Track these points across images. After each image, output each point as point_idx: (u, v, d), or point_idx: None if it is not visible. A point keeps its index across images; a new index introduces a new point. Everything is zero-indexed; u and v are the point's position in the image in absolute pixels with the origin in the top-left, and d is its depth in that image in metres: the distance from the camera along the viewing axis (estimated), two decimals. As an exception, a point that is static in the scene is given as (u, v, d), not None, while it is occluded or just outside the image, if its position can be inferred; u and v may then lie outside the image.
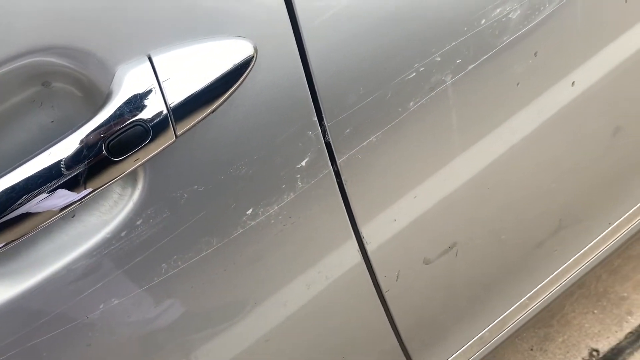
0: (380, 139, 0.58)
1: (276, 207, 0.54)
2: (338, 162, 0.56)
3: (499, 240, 0.78)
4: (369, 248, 0.63)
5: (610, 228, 1.08)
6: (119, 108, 0.43)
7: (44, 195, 0.43)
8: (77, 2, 0.42)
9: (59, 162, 0.43)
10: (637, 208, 1.11)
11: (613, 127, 0.89)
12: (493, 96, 0.64)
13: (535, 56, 0.64)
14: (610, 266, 1.42)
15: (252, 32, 0.48)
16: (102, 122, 0.43)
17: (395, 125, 0.58)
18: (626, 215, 1.09)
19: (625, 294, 1.36)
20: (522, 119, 0.67)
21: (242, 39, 0.48)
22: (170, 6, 0.45)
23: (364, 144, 0.57)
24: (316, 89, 0.52)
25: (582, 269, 1.07)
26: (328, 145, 0.55)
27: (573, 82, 0.70)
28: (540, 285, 1.01)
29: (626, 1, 0.69)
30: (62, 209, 0.44)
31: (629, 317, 1.32)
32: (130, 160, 0.44)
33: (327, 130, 0.54)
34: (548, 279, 1.01)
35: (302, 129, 0.53)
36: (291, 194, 0.55)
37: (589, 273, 1.13)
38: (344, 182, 0.58)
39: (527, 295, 1.00)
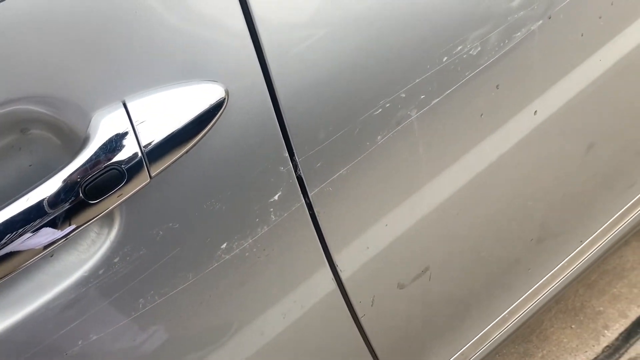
0: (350, 172, 0.61)
1: (250, 240, 0.56)
2: (310, 194, 0.59)
3: (477, 257, 0.81)
4: (343, 276, 0.66)
5: (586, 243, 1.12)
6: (95, 153, 0.45)
7: (23, 237, 0.44)
8: (54, 53, 0.45)
9: (36, 205, 0.44)
10: (611, 222, 1.15)
11: (587, 143, 0.93)
12: (458, 127, 0.67)
13: (498, 89, 0.68)
14: (586, 280, 1.45)
15: (224, 75, 0.51)
16: (79, 167, 0.45)
17: (364, 158, 0.61)
18: (601, 229, 1.13)
19: (601, 308, 1.39)
20: (487, 147, 0.70)
21: (214, 83, 0.50)
22: (143, 53, 0.48)
23: (335, 176, 0.60)
24: (286, 127, 0.55)
25: (559, 283, 1.10)
26: (300, 179, 0.58)
27: (535, 111, 0.73)
28: (520, 300, 1.04)
29: (582, 35, 0.73)
30: (40, 251, 0.45)
31: (606, 331, 1.35)
32: (107, 202, 0.46)
33: (299, 165, 0.57)
34: (527, 293, 1.04)
35: (274, 164, 0.55)
36: (265, 227, 0.57)
37: (566, 288, 1.16)
38: (316, 214, 0.60)
39: (508, 310, 1.02)
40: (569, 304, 1.42)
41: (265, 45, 0.52)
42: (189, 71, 0.49)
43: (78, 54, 0.45)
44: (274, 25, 0.52)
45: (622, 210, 1.18)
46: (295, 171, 0.57)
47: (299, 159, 0.56)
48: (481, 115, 0.68)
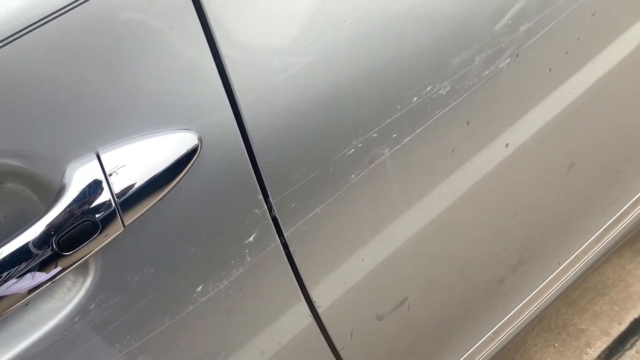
0: (325, 210, 0.62)
1: (226, 282, 0.57)
2: (285, 234, 0.60)
3: (458, 282, 0.82)
4: (320, 310, 0.67)
5: (567, 261, 1.14)
6: (69, 205, 0.46)
7: (-3, 289, 0.45)
8: (28, 106, 0.45)
9: (10, 257, 0.45)
10: (592, 241, 1.17)
11: (565, 166, 0.95)
12: (430, 163, 0.69)
13: (468, 124, 0.70)
14: (568, 299, 1.47)
15: (197, 122, 0.52)
16: (53, 220, 0.46)
17: (339, 196, 0.62)
18: (582, 248, 1.15)
19: (583, 326, 1.41)
20: (460, 179, 0.72)
21: (187, 131, 0.51)
22: (117, 104, 0.49)
23: (310, 216, 0.61)
24: (260, 170, 0.56)
25: (542, 302, 1.12)
26: (275, 219, 0.59)
27: (507, 144, 0.75)
28: (504, 320, 1.05)
29: (550, 70, 0.75)
30: (14, 302, 0.46)
31: (588, 349, 1.37)
32: (81, 252, 0.47)
33: (273, 207, 0.58)
34: (511, 313, 1.05)
35: (249, 207, 0.56)
36: (240, 268, 0.58)
37: (549, 307, 1.18)
38: (292, 253, 0.61)
39: (493, 330, 1.04)
40: (551, 322, 1.43)
41: (236, 91, 0.54)
42: (162, 120, 0.51)
43: (51, 107, 0.46)
44: (245, 70, 0.54)
45: (603, 228, 1.20)
46: (270, 212, 0.58)
47: (273, 200, 0.58)
48: (452, 150, 0.70)
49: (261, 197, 0.57)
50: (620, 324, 1.41)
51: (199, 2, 0.51)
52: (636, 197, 1.22)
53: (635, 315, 1.42)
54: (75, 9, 0.46)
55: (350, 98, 0.59)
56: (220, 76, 0.52)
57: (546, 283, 1.10)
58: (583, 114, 0.83)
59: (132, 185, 0.48)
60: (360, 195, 0.64)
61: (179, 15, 0.50)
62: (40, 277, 0.46)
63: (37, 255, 0.45)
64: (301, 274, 0.63)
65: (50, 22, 0.45)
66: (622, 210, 1.21)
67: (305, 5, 0.56)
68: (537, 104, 0.75)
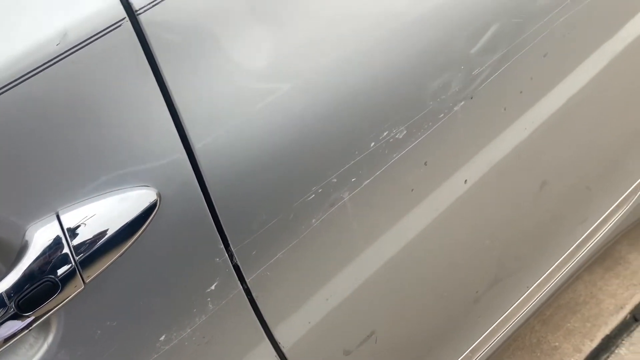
0: (286, 255, 0.64)
1: (189, 330, 0.59)
2: (247, 280, 0.62)
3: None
4: (285, 350, 0.68)
5: (541, 279, 1.16)
6: (29, 267, 0.47)
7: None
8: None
9: (-28, 319, 0.46)
10: (564, 258, 1.20)
11: (539, 182, 0.98)
12: (389, 203, 0.71)
13: (426, 165, 0.72)
14: (542, 316, 1.50)
15: (156, 179, 0.54)
16: (13, 282, 0.47)
17: (300, 240, 0.64)
18: (554, 265, 1.18)
19: (557, 344, 1.44)
20: (420, 216, 0.74)
21: (146, 188, 0.53)
22: (76, 164, 0.50)
23: (272, 261, 0.63)
24: (220, 221, 0.58)
25: (516, 321, 1.14)
26: (236, 267, 0.60)
27: (465, 180, 0.78)
28: (479, 339, 1.07)
29: (505, 109, 0.78)
30: (-24, 363, 0.47)
31: (561, 367, 1.39)
32: (42, 311, 0.48)
33: (234, 255, 0.60)
34: (486, 332, 1.08)
35: (210, 257, 0.58)
36: (203, 316, 0.59)
37: (523, 325, 1.20)
38: (255, 298, 0.63)
39: (469, 349, 1.06)
40: (526, 340, 1.46)
41: (194, 145, 0.55)
42: (120, 178, 0.52)
43: (9, 169, 0.48)
44: (202, 124, 0.56)
45: (574, 245, 1.23)
46: (232, 260, 0.60)
47: (234, 248, 0.59)
48: (412, 190, 0.73)
49: (222, 246, 0.59)
50: (592, 340, 1.44)
51: (155, 61, 0.53)
52: (605, 214, 1.26)
53: (607, 332, 1.45)
54: (34, 76, 0.47)
55: (309, 146, 0.61)
56: (177, 132, 0.54)
57: (520, 302, 1.12)
58: (540, 145, 0.87)
59: (92, 244, 0.50)
60: (322, 238, 0.66)
61: (135, 74, 0.52)
62: (1, 336, 0.47)
63: (-3, 317, 0.47)
64: (265, 317, 0.65)
65: (8, 91, 0.46)
66: (592, 228, 1.24)
67: (261, 61, 0.58)
68: (493, 140, 0.78)
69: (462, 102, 0.72)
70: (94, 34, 0.49)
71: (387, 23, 0.65)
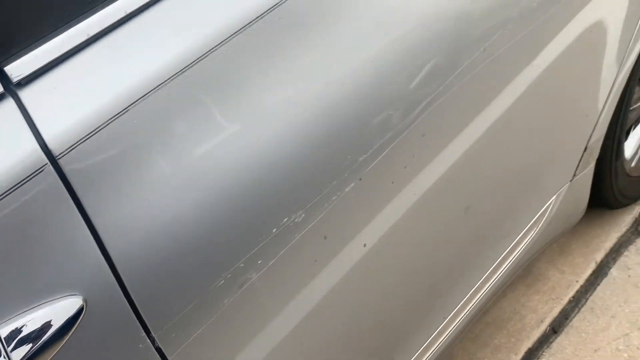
0: (205, 332, 0.75)
1: (120, 409, 0.69)
2: (169, 359, 0.72)
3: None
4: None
5: (467, 295, 1.29)
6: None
7: None
8: None
9: None
10: (487, 275, 1.33)
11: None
12: (296, 275, 0.83)
13: (325, 238, 0.84)
14: (472, 334, 1.65)
15: (82, 287, 0.64)
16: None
17: (215, 320, 0.75)
18: (477, 284, 1.31)
19: (485, 360, 1.59)
20: (320, 284, 0.86)
21: (73, 296, 0.63)
22: (9, 281, 0.60)
23: (191, 339, 0.74)
24: (141, 313, 0.68)
25: (446, 338, 1.27)
26: (159, 349, 0.71)
27: (365, 244, 0.91)
28: (414, 357, 1.19)
29: (392, 182, 0.91)
30: None
31: (489, 382, 1.54)
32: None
33: (156, 339, 0.70)
34: (420, 349, 1.19)
35: (133, 344, 0.69)
36: (131, 396, 0.70)
37: (453, 342, 1.33)
38: (177, 373, 0.74)
39: None
40: (459, 358, 1.60)
41: (112, 252, 0.66)
42: (51, 289, 0.62)
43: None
44: (118, 235, 0.66)
45: (497, 262, 1.37)
46: (154, 344, 0.70)
47: (155, 334, 0.70)
48: (315, 260, 0.85)
49: (144, 334, 0.69)
50: (516, 354, 1.60)
51: (75, 194, 0.63)
52: (523, 231, 1.40)
53: (529, 345, 1.61)
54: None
55: (215, 238, 0.73)
56: (98, 246, 0.65)
57: (448, 319, 1.24)
58: (426, 213, 1.00)
59: (26, 354, 0.59)
60: (236, 313, 0.77)
61: (60, 207, 0.62)
62: None
63: None
64: (190, 387, 0.75)
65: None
66: (512, 244, 1.38)
67: (164, 183, 0.69)
68: (385, 208, 0.91)
69: (352, 184, 0.84)
70: (20, 179, 0.60)
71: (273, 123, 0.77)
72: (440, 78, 0.91)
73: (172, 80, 0.69)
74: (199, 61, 0.71)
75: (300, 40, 0.79)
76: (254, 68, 0.75)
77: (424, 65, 0.89)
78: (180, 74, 0.70)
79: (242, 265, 0.76)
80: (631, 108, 1.52)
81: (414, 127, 0.89)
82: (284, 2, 0.77)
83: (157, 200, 0.69)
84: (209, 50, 0.72)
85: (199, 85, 0.71)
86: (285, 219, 0.78)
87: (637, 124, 1.64)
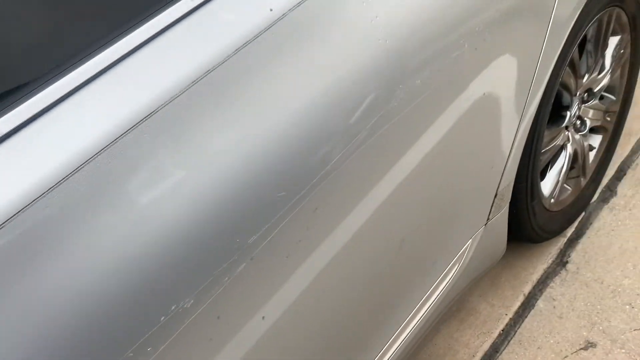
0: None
1: None
2: None
3: None
4: None
5: (400, 327, 1.34)
6: None
7: None
8: None
9: None
10: (411, 315, 1.38)
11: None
12: (190, 355, 0.87)
13: (219, 319, 0.89)
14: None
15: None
16: None
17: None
18: (405, 321, 1.36)
19: (419, 397, 1.64)
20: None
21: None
22: None
23: None
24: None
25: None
26: None
27: (263, 317, 0.95)
28: None
29: (287, 256, 0.96)
30: None
31: (422, 419, 1.59)
32: None
33: None
34: None
35: None
36: None
37: None
38: None
39: None
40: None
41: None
42: None
43: None
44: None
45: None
46: None
47: None
48: (210, 339, 0.89)
49: None
50: (450, 389, 1.65)
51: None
52: (441, 276, 1.46)
53: (462, 379, 1.67)
54: None
55: (97, 334, 0.76)
56: None
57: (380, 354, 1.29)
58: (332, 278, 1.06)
59: None
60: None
61: None
62: None
63: None
64: None
65: None
66: (432, 287, 1.44)
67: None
68: (283, 283, 0.96)
69: (244, 264, 0.89)
70: None
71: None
72: (335, 151, 0.97)
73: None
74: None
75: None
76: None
77: (316, 150, 0.95)
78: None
79: (132, 354, 0.80)
80: (543, 150, 1.61)
81: (306, 203, 0.95)
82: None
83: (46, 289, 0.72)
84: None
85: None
86: (174, 307, 0.83)
87: (553, 164, 1.73)
